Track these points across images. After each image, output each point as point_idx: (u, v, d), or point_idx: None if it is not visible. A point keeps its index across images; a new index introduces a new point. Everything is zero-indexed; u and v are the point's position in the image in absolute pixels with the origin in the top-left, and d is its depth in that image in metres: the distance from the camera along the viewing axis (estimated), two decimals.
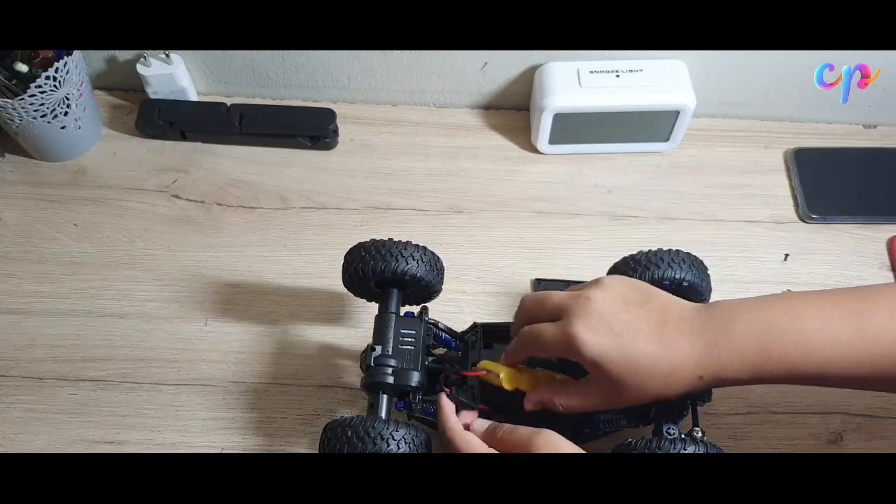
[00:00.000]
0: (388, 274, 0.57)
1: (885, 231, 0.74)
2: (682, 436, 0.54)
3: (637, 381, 0.49)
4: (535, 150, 0.80)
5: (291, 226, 0.75)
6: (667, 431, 0.54)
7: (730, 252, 0.73)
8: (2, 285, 0.71)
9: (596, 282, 0.52)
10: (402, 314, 0.60)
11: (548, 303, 0.52)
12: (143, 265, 0.72)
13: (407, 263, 0.57)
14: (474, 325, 0.61)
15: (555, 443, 0.50)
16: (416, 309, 0.61)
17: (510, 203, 0.77)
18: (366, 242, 0.60)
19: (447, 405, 0.56)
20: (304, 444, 0.63)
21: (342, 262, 0.60)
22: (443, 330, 0.61)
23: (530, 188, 0.78)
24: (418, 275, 0.58)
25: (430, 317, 0.60)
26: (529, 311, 0.54)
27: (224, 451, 0.63)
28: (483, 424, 0.55)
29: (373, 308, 0.70)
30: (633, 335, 0.48)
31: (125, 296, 0.71)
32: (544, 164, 0.79)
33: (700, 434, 0.54)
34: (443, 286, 0.62)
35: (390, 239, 0.59)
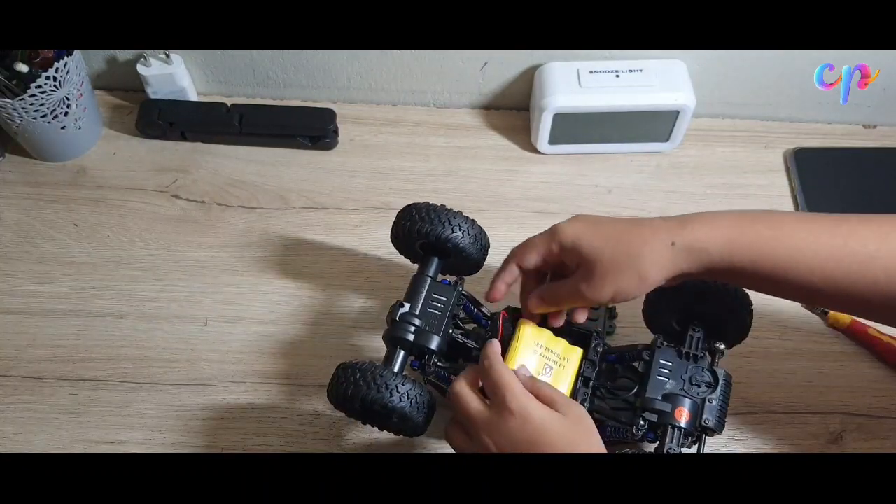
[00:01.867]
0: (432, 238, 0.59)
1: None
2: None
3: (609, 254, 0.50)
4: (535, 150, 0.80)
5: (291, 226, 0.75)
6: (667, 450, 0.54)
7: None
8: (2, 285, 0.71)
9: None
10: (439, 281, 0.61)
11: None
12: (143, 265, 0.72)
13: (452, 232, 0.59)
14: (507, 309, 0.61)
15: (583, 416, 0.51)
16: (452, 279, 0.62)
17: (510, 203, 0.77)
18: (419, 203, 0.61)
19: (496, 344, 0.55)
20: (304, 444, 0.63)
21: (391, 228, 0.62)
22: (475, 305, 0.61)
23: (530, 188, 0.78)
24: (461, 245, 0.59)
25: (464, 289, 0.61)
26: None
27: (224, 451, 0.63)
28: (527, 372, 0.56)
29: (376, 309, 0.70)
30: (610, 221, 0.52)
31: (125, 296, 0.71)
32: (544, 164, 0.79)
33: None
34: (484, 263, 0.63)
35: (443, 205, 0.60)
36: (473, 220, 0.60)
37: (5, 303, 0.70)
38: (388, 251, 0.73)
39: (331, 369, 0.66)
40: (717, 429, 0.55)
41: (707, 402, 0.55)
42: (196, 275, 0.72)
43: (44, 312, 0.70)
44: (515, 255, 0.56)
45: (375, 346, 0.68)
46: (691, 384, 0.56)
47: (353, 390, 0.53)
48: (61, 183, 0.78)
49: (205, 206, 0.76)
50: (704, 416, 0.55)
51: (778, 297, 0.51)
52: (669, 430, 0.54)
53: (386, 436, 0.63)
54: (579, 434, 0.50)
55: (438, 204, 0.60)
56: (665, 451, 0.53)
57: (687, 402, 0.55)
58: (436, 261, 0.61)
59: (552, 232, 0.53)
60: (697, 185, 0.78)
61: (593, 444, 0.50)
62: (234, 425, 0.64)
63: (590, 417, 0.51)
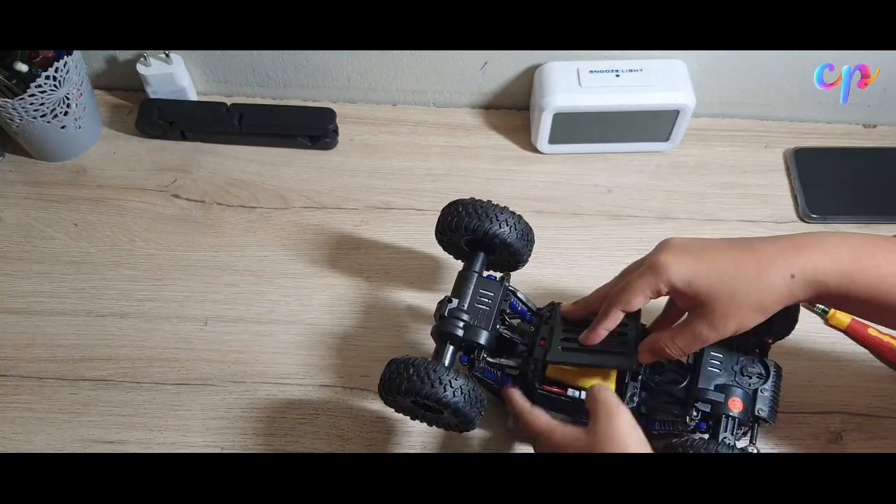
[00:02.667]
0: (479, 233, 0.59)
1: (885, 231, 0.74)
2: (732, 446, 0.54)
3: (728, 290, 0.48)
4: (535, 150, 0.80)
5: (291, 226, 0.75)
6: (723, 439, 0.54)
7: None
8: (2, 285, 0.71)
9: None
10: (485, 276, 0.61)
11: (630, 267, 0.54)
12: (143, 265, 0.72)
13: (500, 227, 0.59)
14: (552, 304, 0.62)
15: (615, 426, 0.52)
16: (498, 274, 0.63)
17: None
18: (465, 199, 0.61)
19: (515, 391, 0.58)
20: (304, 444, 0.63)
21: (437, 218, 0.62)
22: (521, 300, 0.61)
23: (530, 188, 0.78)
24: (508, 240, 0.59)
25: (511, 284, 0.61)
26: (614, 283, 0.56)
27: (224, 451, 0.63)
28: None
29: (376, 309, 0.70)
30: (715, 249, 0.50)
31: (125, 296, 0.71)
32: (544, 164, 0.79)
33: (754, 451, 0.54)
34: (529, 258, 0.63)
35: (489, 201, 0.60)
36: (520, 216, 0.61)
37: (5, 302, 0.70)
38: (388, 251, 0.73)
39: (330, 369, 0.67)
40: (771, 418, 0.56)
41: (760, 393, 0.56)
42: (196, 275, 0.72)
43: (44, 312, 0.70)
44: (619, 301, 0.53)
45: (375, 345, 0.68)
46: (742, 375, 0.56)
47: (406, 385, 0.53)
48: (61, 183, 0.78)
49: (205, 205, 0.76)
50: (758, 406, 0.55)
51: (886, 326, 0.51)
52: (723, 420, 0.55)
53: (385, 436, 0.63)
54: (609, 440, 0.50)
55: (484, 199, 0.60)
56: (720, 440, 0.54)
57: (739, 392, 0.56)
58: (482, 256, 0.61)
59: (656, 271, 0.50)
60: (697, 184, 0.78)
61: (627, 444, 0.50)
62: (234, 425, 0.64)
63: (624, 421, 0.51)
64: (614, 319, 0.54)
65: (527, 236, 0.61)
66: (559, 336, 0.58)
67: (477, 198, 0.61)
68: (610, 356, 0.56)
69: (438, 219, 0.62)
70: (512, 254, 0.61)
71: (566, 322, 0.59)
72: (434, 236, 0.64)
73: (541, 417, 0.55)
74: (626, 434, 0.50)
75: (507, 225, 0.59)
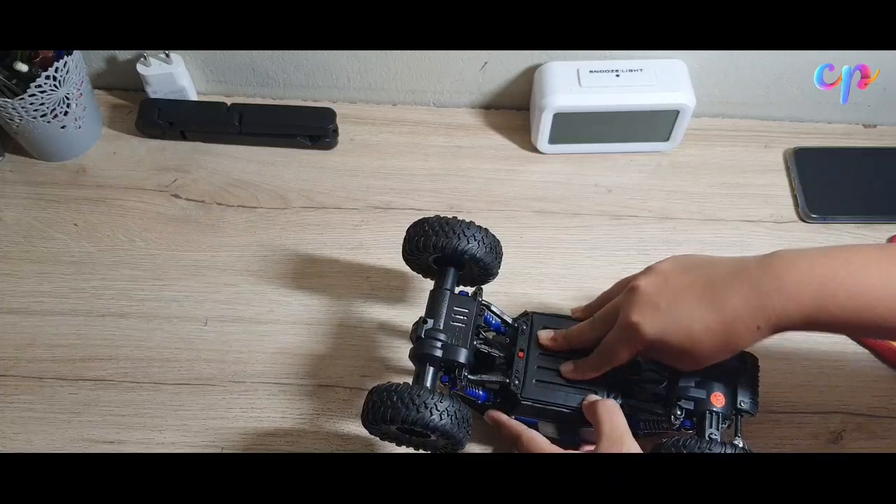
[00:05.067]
0: (448, 250, 0.58)
1: (885, 231, 0.74)
2: (723, 443, 0.54)
3: (697, 346, 0.51)
4: (535, 150, 0.80)
5: (291, 226, 0.75)
6: (709, 436, 0.54)
7: (730, 251, 0.73)
8: (2, 285, 0.71)
9: (645, 269, 0.54)
10: (456, 292, 0.61)
11: (608, 308, 0.56)
12: (143, 265, 0.72)
13: (468, 243, 0.58)
14: (525, 313, 0.61)
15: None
16: (470, 290, 0.62)
17: (510, 203, 0.77)
18: (430, 217, 0.60)
19: (500, 415, 0.59)
20: (304, 444, 0.63)
21: (404, 236, 0.62)
22: (494, 313, 0.61)
23: (530, 188, 0.78)
24: (477, 255, 0.59)
25: (483, 298, 0.61)
26: (597, 305, 0.58)
27: (224, 451, 0.63)
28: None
29: (376, 309, 0.70)
30: (680, 304, 0.51)
31: (125, 296, 0.71)
32: (544, 164, 0.79)
33: (741, 444, 0.54)
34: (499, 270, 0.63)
35: (455, 217, 0.60)
36: (487, 230, 0.60)
37: (5, 303, 0.70)
38: (388, 251, 0.73)
39: (330, 369, 0.67)
40: (753, 410, 0.56)
41: (739, 386, 0.56)
42: (196, 275, 0.72)
43: (44, 312, 0.70)
44: (604, 364, 0.56)
45: (375, 345, 0.68)
46: (719, 370, 0.56)
47: (392, 413, 0.52)
48: (61, 183, 0.78)
49: (205, 205, 0.76)
50: (740, 399, 0.55)
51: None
52: (708, 416, 0.55)
53: None
54: None
55: (450, 216, 0.60)
56: (707, 436, 0.54)
57: (720, 386, 0.56)
58: (452, 272, 0.61)
59: (630, 332, 0.52)
60: (697, 184, 0.78)
61: None
62: (234, 425, 0.64)
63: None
64: (601, 372, 0.56)
65: (495, 249, 0.61)
66: (535, 365, 0.58)
67: (442, 215, 0.60)
68: (587, 392, 0.57)
69: (405, 239, 0.61)
70: (482, 268, 0.60)
71: (542, 347, 0.59)
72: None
73: (539, 441, 0.56)
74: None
75: (475, 240, 0.59)
